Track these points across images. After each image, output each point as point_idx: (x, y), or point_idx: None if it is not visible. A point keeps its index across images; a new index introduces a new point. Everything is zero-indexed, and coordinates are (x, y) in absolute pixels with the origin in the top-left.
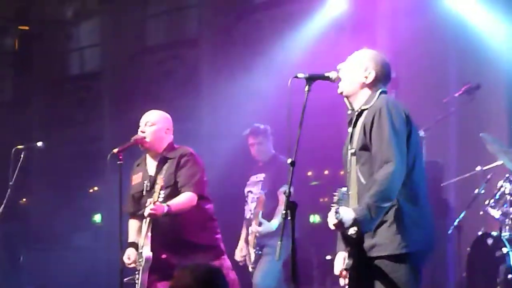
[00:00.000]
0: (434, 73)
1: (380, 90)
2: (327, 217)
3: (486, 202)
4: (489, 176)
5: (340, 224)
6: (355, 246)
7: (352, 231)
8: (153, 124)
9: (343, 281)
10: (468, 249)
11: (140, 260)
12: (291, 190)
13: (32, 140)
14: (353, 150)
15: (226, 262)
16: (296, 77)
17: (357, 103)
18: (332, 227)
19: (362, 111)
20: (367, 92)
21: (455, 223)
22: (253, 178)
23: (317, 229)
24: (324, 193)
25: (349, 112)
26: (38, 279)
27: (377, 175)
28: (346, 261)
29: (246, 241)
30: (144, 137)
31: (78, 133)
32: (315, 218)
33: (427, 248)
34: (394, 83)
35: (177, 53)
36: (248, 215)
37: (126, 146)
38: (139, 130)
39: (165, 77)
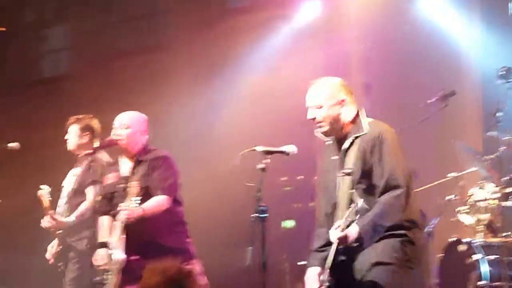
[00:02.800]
0: (407, 80)
1: (360, 114)
2: (300, 222)
3: (458, 209)
4: (461, 183)
5: (344, 238)
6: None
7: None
8: (128, 127)
9: None
10: (440, 255)
11: (112, 261)
12: None
13: (3, 142)
14: (349, 171)
15: (196, 266)
16: (254, 150)
17: (342, 132)
18: (336, 241)
19: (355, 138)
20: (345, 118)
21: (427, 230)
22: (71, 172)
23: (289, 234)
24: (297, 198)
25: (330, 140)
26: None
27: (383, 197)
28: (321, 277)
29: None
30: (116, 140)
31: (49, 135)
32: (286, 224)
33: (415, 265)
34: (367, 90)
35: (150, 58)
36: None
37: (99, 147)
38: (113, 132)
39: (137, 82)
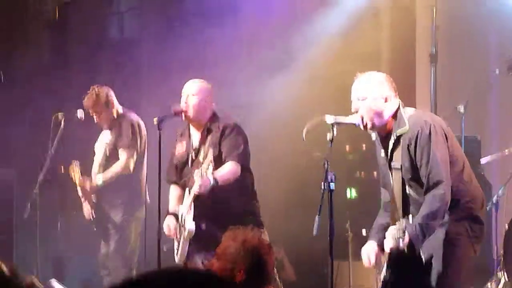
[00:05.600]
0: (474, 49)
1: (400, 108)
2: (363, 191)
3: None
4: None
5: (397, 247)
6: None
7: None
8: (195, 95)
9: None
10: (506, 226)
11: (182, 230)
12: None
13: (70, 106)
14: (397, 165)
15: (265, 236)
16: (324, 120)
17: (386, 128)
18: (388, 250)
19: (399, 135)
20: (388, 113)
21: (494, 200)
22: (102, 135)
23: (354, 203)
24: (361, 167)
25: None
26: (75, 247)
27: (427, 195)
28: (384, 273)
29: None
30: (183, 109)
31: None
32: (351, 192)
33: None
34: (433, 58)
35: (218, 21)
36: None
37: (166, 117)
38: (181, 101)
39: (205, 45)
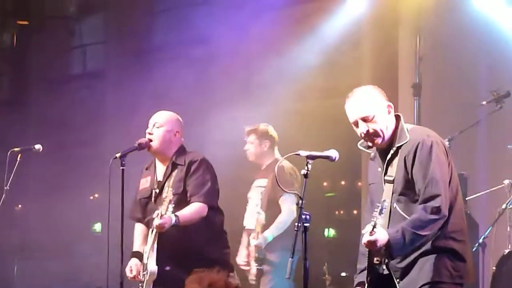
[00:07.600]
0: (461, 80)
1: (401, 120)
2: (342, 231)
3: None
4: None
5: (373, 243)
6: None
7: (375, 261)
8: (161, 125)
9: None
10: (493, 267)
11: (145, 272)
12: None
13: (29, 142)
14: (391, 179)
15: (233, 279)
16: (298, 154)
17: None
18: (365, 243)
19: (399, 147)
20: (391, 126)
21: (480, 240)
22: (255, 183)
23: (332, 243)
24: (340, 205)
25: (372, 151)
26: None
27: (420, 206)
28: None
29: (247, 249)
30: (150, 141)
31: (78, 135)
32: (329, 232)
33: (468, 281)
34: (417, 90)
35: (187, 52)
36: (246, 223)
37: (129, 150)
38: (146, 131)
39: (172, 78)
